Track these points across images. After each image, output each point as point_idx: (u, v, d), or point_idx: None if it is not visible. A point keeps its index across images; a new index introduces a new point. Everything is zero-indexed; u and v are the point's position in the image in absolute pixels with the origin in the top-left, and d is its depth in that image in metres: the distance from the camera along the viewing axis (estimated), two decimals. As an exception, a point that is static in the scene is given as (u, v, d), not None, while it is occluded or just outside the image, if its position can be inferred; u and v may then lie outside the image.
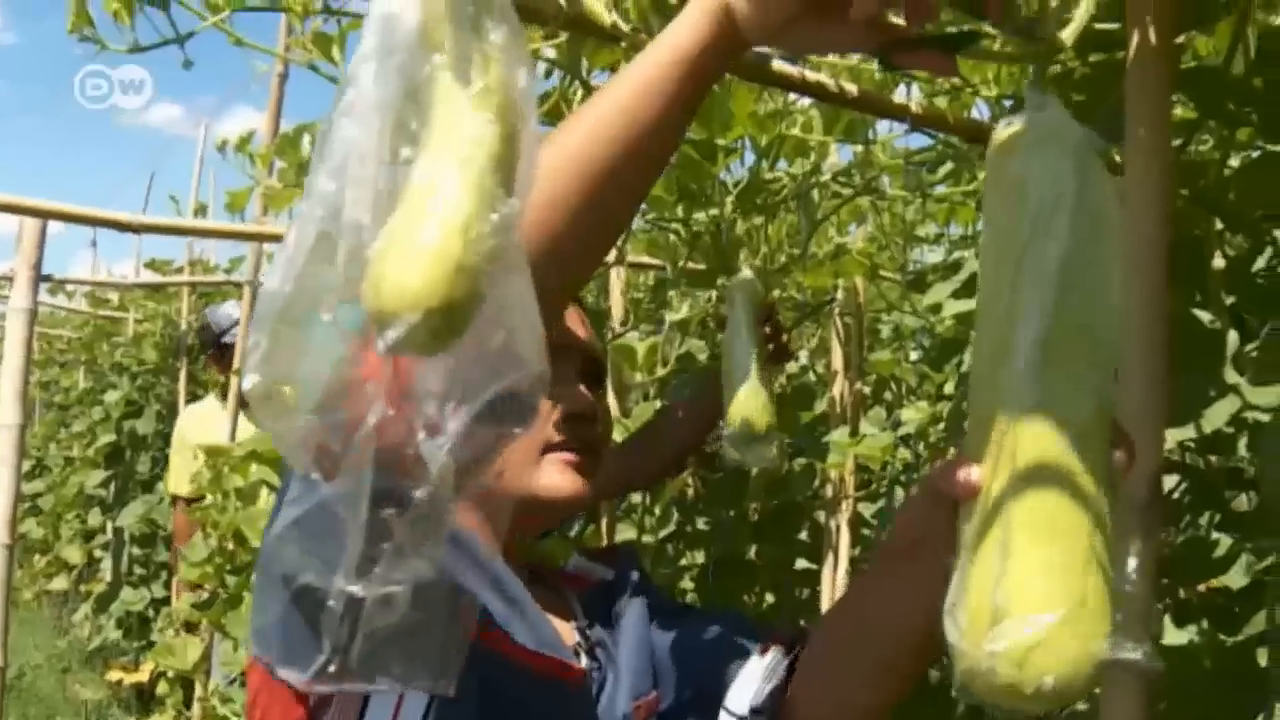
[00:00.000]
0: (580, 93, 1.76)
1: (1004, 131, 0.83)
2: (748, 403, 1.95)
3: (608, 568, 1.42)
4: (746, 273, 2.14)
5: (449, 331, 0.67)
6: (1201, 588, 1.98)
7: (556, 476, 1.22)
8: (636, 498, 2.97)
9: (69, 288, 7.76)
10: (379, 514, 0.68)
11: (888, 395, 3.76)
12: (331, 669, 0.75)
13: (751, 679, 1.23)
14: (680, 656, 1.31)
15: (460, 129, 0.70)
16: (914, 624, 1.01)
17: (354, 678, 0.75)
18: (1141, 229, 1.01)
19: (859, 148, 2.23)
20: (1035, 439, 0.77)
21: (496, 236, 0.68)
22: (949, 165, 2.33)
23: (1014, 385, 0.77)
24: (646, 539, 2.86)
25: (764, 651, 1.26)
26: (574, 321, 1.28)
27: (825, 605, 2.86)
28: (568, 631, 1.28)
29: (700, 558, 2.90)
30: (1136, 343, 0.98)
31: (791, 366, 4.18)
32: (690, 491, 3.25)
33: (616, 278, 2.77)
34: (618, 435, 2.58)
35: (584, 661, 1.25)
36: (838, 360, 3.26)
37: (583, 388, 1.25)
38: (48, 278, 4.54)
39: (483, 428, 0.65)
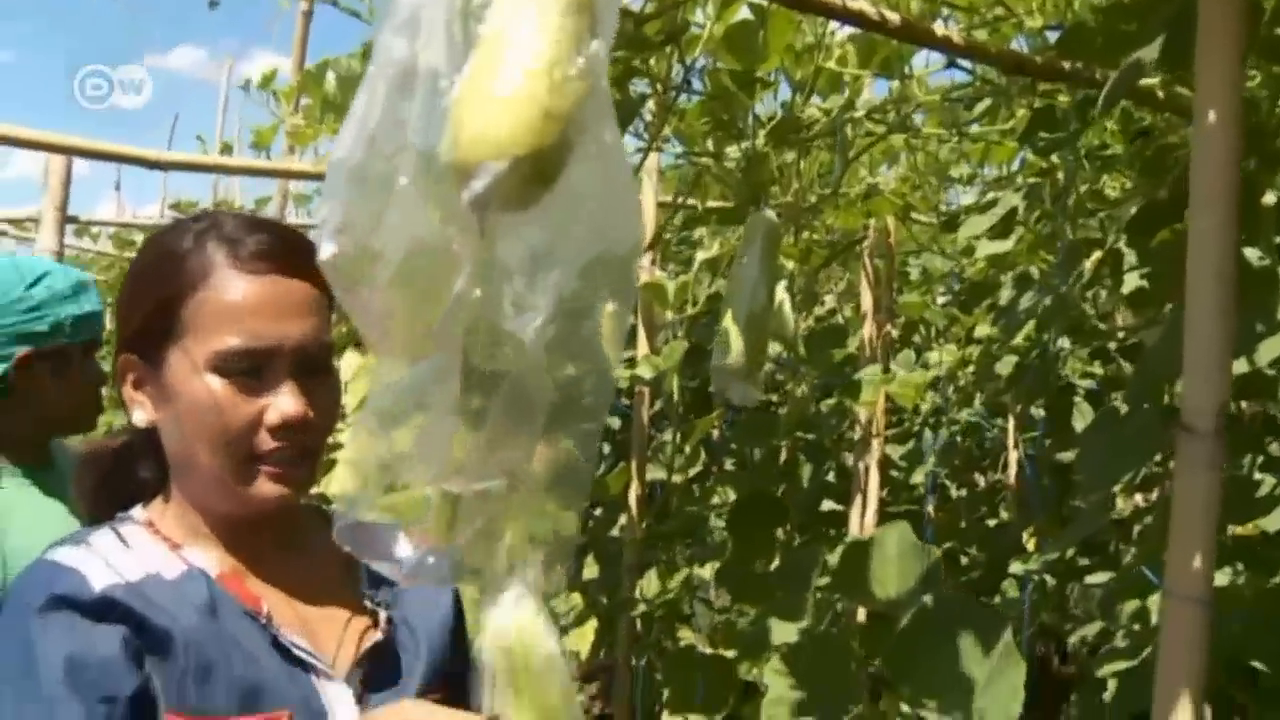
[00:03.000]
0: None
1: None
2: (743, 339, 1.91)
3: None
4: (769, 212, 2.10)
5: (538, 182, 0.61)
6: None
7: (265, 486, 1.13)
8: (666, 436, 2.96)
9: (94, 230, 7.75)
10: (468, 402, 0.65)
11: (916, 338, 3.74)
12: (430, 561, 0.71)
13: None
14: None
15: None
16: None
17: (453, 573, 0.71)
18: (1211, 164, 0.99)
19: (895, 83, 2.19)
20: None
21: (583, 80, 0.62)
22: (986, 102, 2.29)
23: None
24: (676, 479, 2.85)
25: None
26: (282, 317, 1.12)
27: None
28: (348, 602, 1.22)
29: (732, 495, 2.90)
30: (1206, 274, 0.96)
31: (818, 310, 4.16)
32: (715, 433, 3.25)
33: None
34: (648, 372, 2.57)
35: (382, 618, 1.20)
36: (867, 302, 3.24)
37: (293, 389, 1.12)
38: (73, 219, 4.52)
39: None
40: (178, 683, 1.06)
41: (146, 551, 1.13)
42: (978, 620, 1.41)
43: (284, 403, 1.11)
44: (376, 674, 1.18)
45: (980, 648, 1.36)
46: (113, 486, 1.23)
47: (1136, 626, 1.86)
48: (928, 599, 1.53)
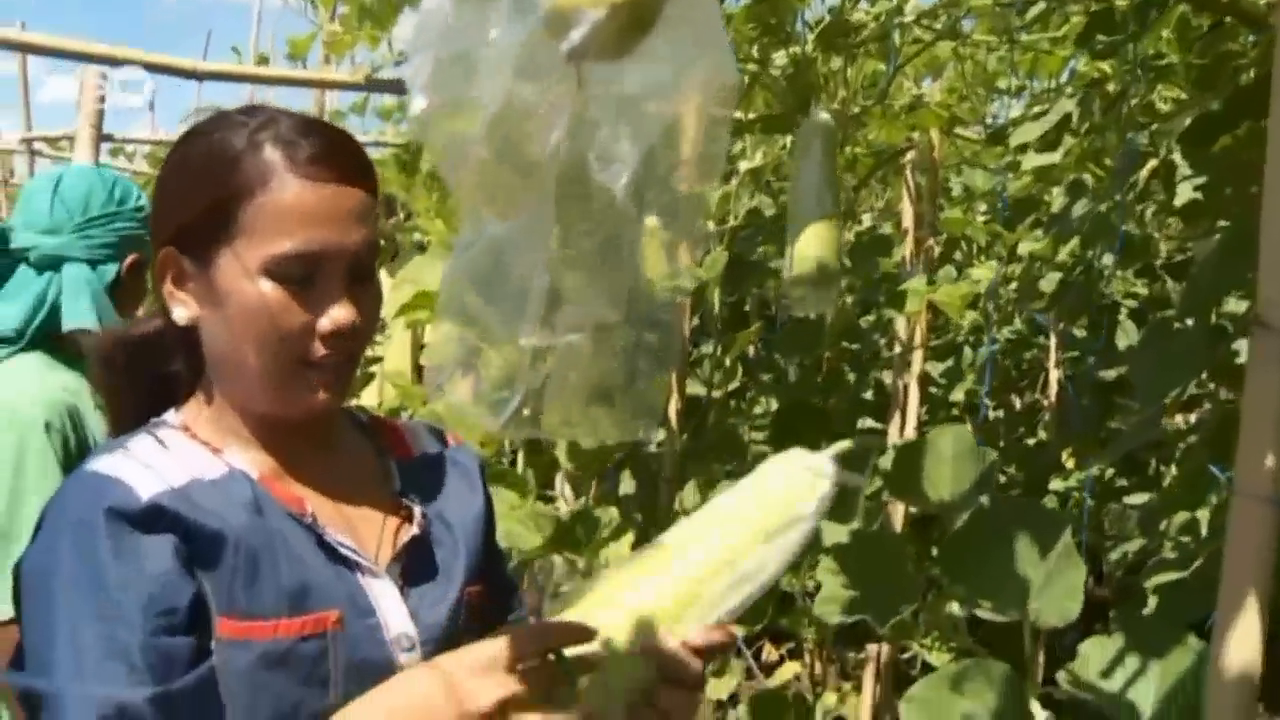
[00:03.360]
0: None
1: None
2: (815, 245, 1.88)
3: (438, 442, 1.34)
4: (824, 115, 2.06)
5: (635, 29, 0.60)
6: None
7: (314, 392, 1.13)
8: (707, 348, 2.95)
9: (129, 150, 7.75)
10: (560, 256, 0.63)
11: (958, 255, 3.69)
12: (526, 412, 0.70)
13: None
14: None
15: None
16: None
17: (545, 425, 0.70)
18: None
19: (946, -13, 2.14)
20: None
21: None
22: (1040, 6, 2.24)
23: None
24: (716, 393, 2.84)
25: None
26: (338, 223, 1.10)
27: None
28: (383, 500, 1.23)
29: (773, 407, 2.89)
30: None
31: (857, 228, 4.12)
32: (751, 350, 3.22)
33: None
34: (688, 284, 2.55)
35: (417, 514, 1.21)
36: (908, 218, 3.19)
37: (345, 297, 1.11)
38: (109, 137, 4.49)
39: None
40: (228, 586, 1.05)
41: (186, 453, 1.12)
42: (1036, 520, 1.39)
43: (337, 310, 1.10)
44: (414, 569, 1.18)
45: (1038, 548, 1.35)
46: (138, 370, 1.22)
47: (1186, 539, 1.84)
48: (984, 500, 1.52)
